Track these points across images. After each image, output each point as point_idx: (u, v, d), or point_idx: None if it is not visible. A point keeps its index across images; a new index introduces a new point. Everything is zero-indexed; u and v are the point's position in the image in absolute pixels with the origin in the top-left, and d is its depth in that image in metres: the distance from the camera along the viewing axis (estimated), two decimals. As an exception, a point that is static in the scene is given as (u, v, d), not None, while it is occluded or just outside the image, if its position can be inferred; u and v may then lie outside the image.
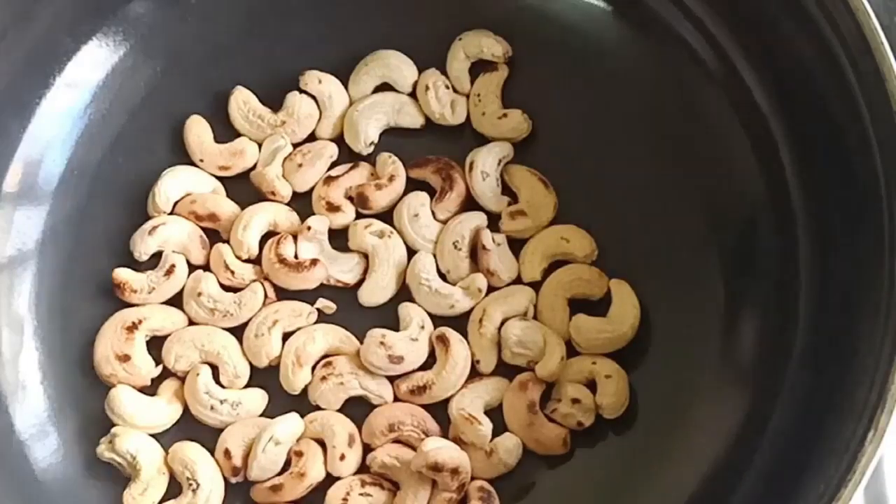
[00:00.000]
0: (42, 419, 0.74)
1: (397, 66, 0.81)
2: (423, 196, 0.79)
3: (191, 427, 0.75)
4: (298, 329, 0.76)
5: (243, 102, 0.80)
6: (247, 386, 0.76)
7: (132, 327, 0.75)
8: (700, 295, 0.75)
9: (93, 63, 0.79)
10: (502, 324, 0.76)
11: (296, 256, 0.77)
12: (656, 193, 0.77)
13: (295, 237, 0.78)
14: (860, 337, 0.66)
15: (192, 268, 0.78)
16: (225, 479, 0.74)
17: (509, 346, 0.75)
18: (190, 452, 0.73)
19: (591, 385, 0.75)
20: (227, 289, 0.77)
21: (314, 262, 0.77)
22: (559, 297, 0.76)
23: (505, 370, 0.76)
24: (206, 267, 0.78)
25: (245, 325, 0.77)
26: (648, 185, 0.77)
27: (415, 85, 0.81)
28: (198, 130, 0.80)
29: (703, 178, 0.76)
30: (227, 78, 0.80)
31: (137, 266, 0.77)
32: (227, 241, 0.78)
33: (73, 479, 0.74)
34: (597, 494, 0.74)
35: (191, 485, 0.72)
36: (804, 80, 0.70)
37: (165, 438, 0.75)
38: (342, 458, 0.74)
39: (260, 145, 0.80)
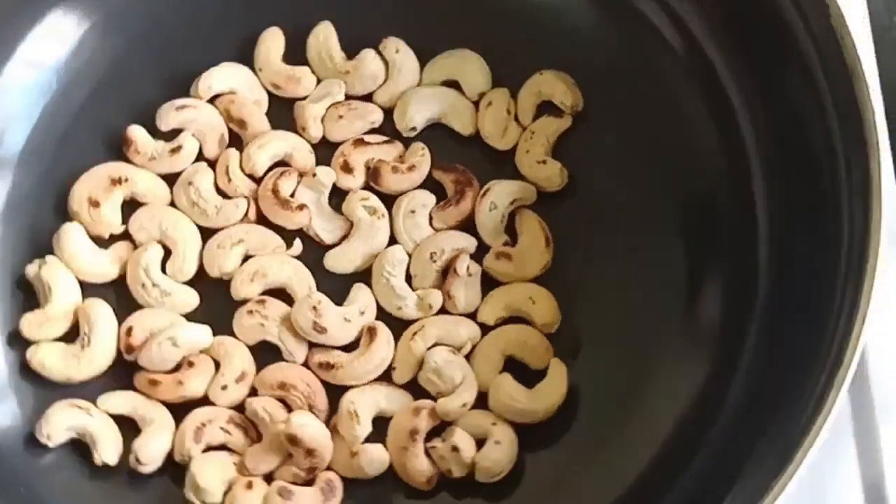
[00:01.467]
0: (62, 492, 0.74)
1: (473, 71, 0.81)
2: (428, 197, 0.78)
3: (118, 295, 0.77)
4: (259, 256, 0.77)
5: (324, 37, 0.81)
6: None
7: (117, 181, 0.77)
8: (662, 268, 0.76)
9: (56, 39, 0.80)
10: (435, 346, 0.75)
11: (292, 195, 0.78)
12: (619, 170, 0.78)
13: (301, 178, 0.78)
14: (819, 303, 0.66)
15: (200, 159, 0.79)
16: (119, 352, 0.75)
17: (426, 370, 0.74)
18: (98, 312, 0.75)
19: (482, 442, 0.73)
20: (218, 191, 0.78)
21: (302, 206, 0.77)
22: (498, 349, 0.75)
23: (417, 389, 0.75)
24: (212, 164, 0.79)
25: (215, 231, 0.78)
26: (613, 160, 0.79)
27: (482, 95, 0.80)
28: (271, 43, 0.81)
29: (666, 154, 0.78)
30: (199, 58, 0.81)
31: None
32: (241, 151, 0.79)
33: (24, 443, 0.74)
34: (556, 471, 0.73)
35: (83, 340, 0.74)
36: (766, 57, 0.73)
37: (91, 293, 0.76)
38: (224, 387, 0.74)
39: (319, 83, 0.81)
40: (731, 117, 0.76)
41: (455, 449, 0.72)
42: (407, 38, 0.82)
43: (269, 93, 0.81)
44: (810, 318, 0.66)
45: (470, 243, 0.77)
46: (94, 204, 0.77)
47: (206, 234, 0.78)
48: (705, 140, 0.77)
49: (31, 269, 0.75)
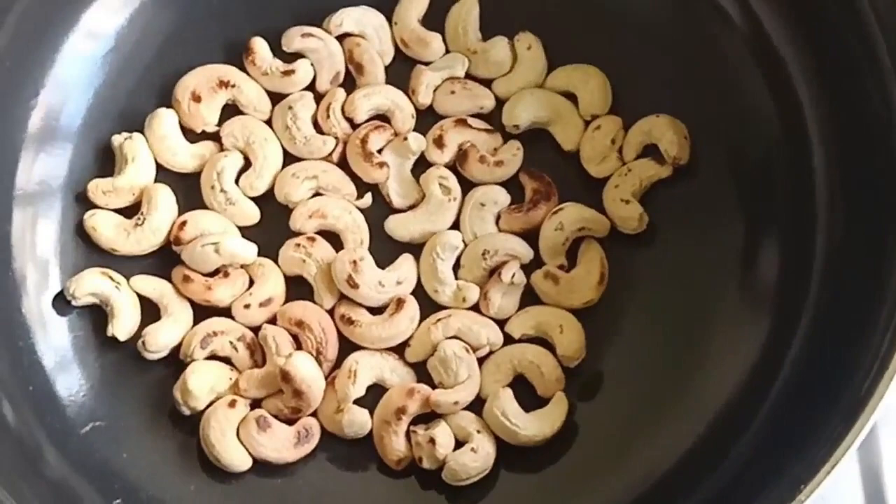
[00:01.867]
0: (65, 352, 0.75)
1: (594, 90, 0.80)
2: (503, 196, 0.78)
3: (187, 189, 0.79)
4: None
5: (466, 11, 0.81)
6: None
7: (225, 84, 0.80)
8: (719, 227, 0.76)
9: (113, 9, 0.79)
10: (453, 338, 0.75)
11: (379, 152, 0.79)
12: None
13: (393, 138, 0.79)
14: (880, 260, 0.67)
15: (311, 89, 0.81)
16: (168, 242, 0.77)
17: (436, 356, 0.74)
18: (162, 196, 0.77)
19: (462, 444, 0.73)
20: (315, 125, 0.80)
21: (382, 164, 0.78)
22: (511, 364, 0.75)
23: (423, 373, 0.75)
24: (318, 98, 0.81)
25: (297, 160, 0.79)
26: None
27: (594, 117, 0.80)
28: (416, 2, 0.82)
29: (720, 113, 0.77)
30: (248, 25, 0.80)
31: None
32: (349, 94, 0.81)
33: (98, 410, 0.75)
34: (615, 430, 0.74)
35: (139, 219, 0.77)
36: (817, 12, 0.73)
37: (163, 179, 0.79)
38: (247, 306, 0.76)
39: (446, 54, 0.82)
40: (786, 80, 0.76)
41: (432, 441, 0.72)
42: (544, 39, 0.81)
43: (397, 48, 0.82)
44: (869, 280, 0.67)
45: (526, 253, 0.77)
46: (197, 98, 0.79)
47: (289, 160, 0.80)
48: (761, 102, 0.77)
49: (116, 139, 0.78)
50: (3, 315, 0.74)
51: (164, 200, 0.77)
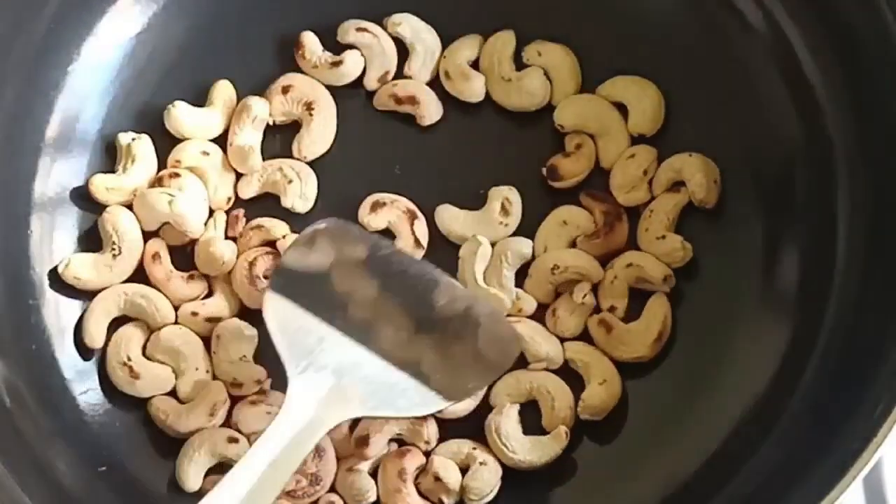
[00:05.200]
0: (85, 362, 0.74)
1: (647, 108, 0.75)
2: (588, 224, 0.74)
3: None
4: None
5: (502, 44, 0.77)
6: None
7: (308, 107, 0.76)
8: (741, 234, 0.74)
9: (129, 17, 0.78)
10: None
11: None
12: (695, 136, 0.75)
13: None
14: None
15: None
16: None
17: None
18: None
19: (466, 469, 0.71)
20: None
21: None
22: (528, 387, 0.72)
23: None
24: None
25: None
26: (689, 127, 0.76)
27: (641, 135, 0.76)
28: (469, 42, 0.78)
29: (740, 119, 0.75)
30: (262, 33, 0.78)
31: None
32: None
33: (115, 419, 0.73)
34: (645, 428, 0.72)
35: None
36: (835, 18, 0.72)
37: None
38: (194, 314, 0.73)
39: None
40: (806, 83, 0.74)
41: (437, 478, 0.69)
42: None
43: (436, 80, 0.78)
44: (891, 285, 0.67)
45: (596, 274, 0.73)
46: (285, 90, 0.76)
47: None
48: (780, 104, 0.75)
49: (124, 138, 0.75)
50: (21, 319, 0.72)
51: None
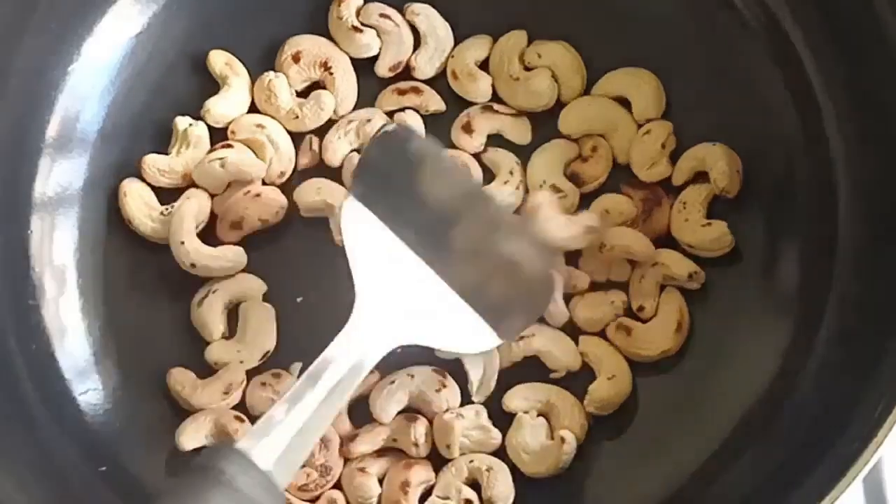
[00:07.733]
0: (85, 362, 0.74)
1: (648, 94, 0.75)
2: (630, 210, 0.74)
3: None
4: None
5: (513, 43, 0.77)
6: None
7: (325, 67, 0.77)
8: (741, 234, 0.73)
9: (129, 17, 0.77)
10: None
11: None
12: (695, 135, 0.75)
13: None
14: None
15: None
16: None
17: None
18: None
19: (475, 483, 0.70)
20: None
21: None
22: (543, 399, 0.71)
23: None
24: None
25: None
26: (688, 127, 0.75)
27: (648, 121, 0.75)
28: (479, 43, 0.78)
29: (739, 118, 0.75)
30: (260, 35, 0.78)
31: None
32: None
33: (115, 419, 0.73)
34: (645, 427, 0.72)
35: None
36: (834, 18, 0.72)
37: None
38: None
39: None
40: (806, 83, 0.74)
41: (445, 498, 0.69)
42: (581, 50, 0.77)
43: (443, 77, 0.78)
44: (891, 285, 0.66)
45: (646, 252, 0.72)
46: (296, 59, 0.77)
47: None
48: (780, 104, 0.74)
49: (181, 122, 0.76)
50: (21, 319, 0.72)
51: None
